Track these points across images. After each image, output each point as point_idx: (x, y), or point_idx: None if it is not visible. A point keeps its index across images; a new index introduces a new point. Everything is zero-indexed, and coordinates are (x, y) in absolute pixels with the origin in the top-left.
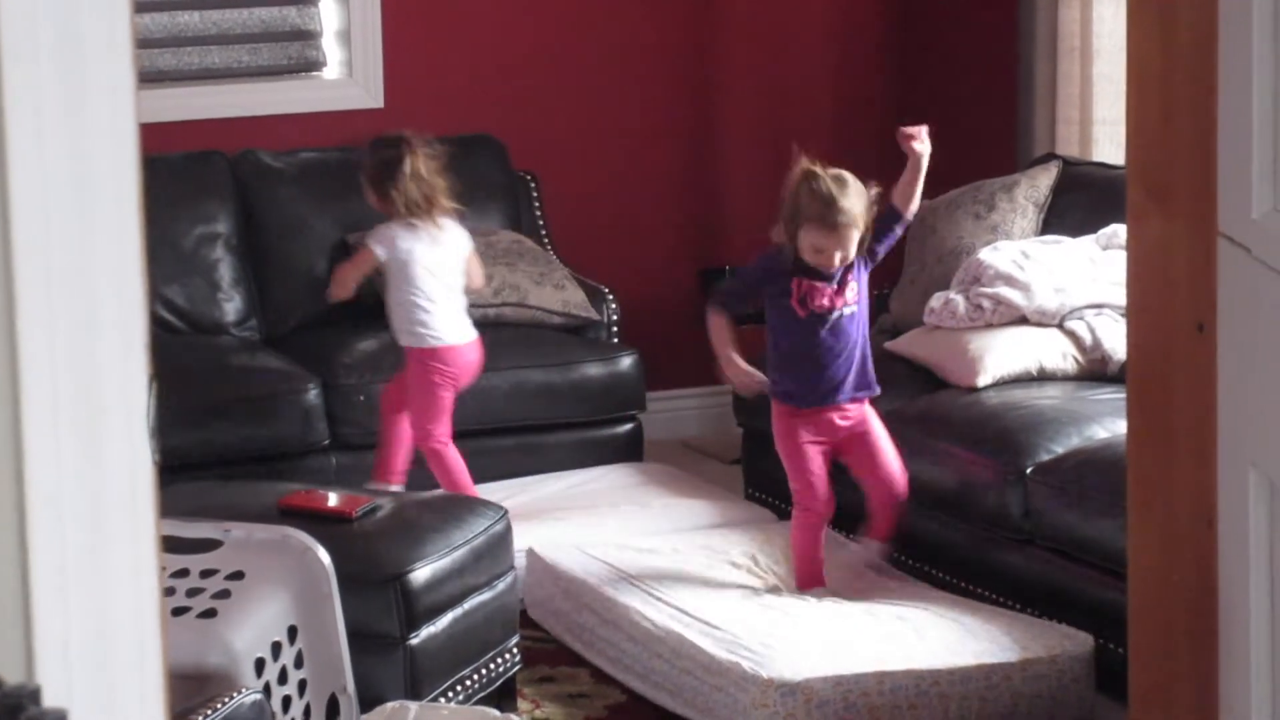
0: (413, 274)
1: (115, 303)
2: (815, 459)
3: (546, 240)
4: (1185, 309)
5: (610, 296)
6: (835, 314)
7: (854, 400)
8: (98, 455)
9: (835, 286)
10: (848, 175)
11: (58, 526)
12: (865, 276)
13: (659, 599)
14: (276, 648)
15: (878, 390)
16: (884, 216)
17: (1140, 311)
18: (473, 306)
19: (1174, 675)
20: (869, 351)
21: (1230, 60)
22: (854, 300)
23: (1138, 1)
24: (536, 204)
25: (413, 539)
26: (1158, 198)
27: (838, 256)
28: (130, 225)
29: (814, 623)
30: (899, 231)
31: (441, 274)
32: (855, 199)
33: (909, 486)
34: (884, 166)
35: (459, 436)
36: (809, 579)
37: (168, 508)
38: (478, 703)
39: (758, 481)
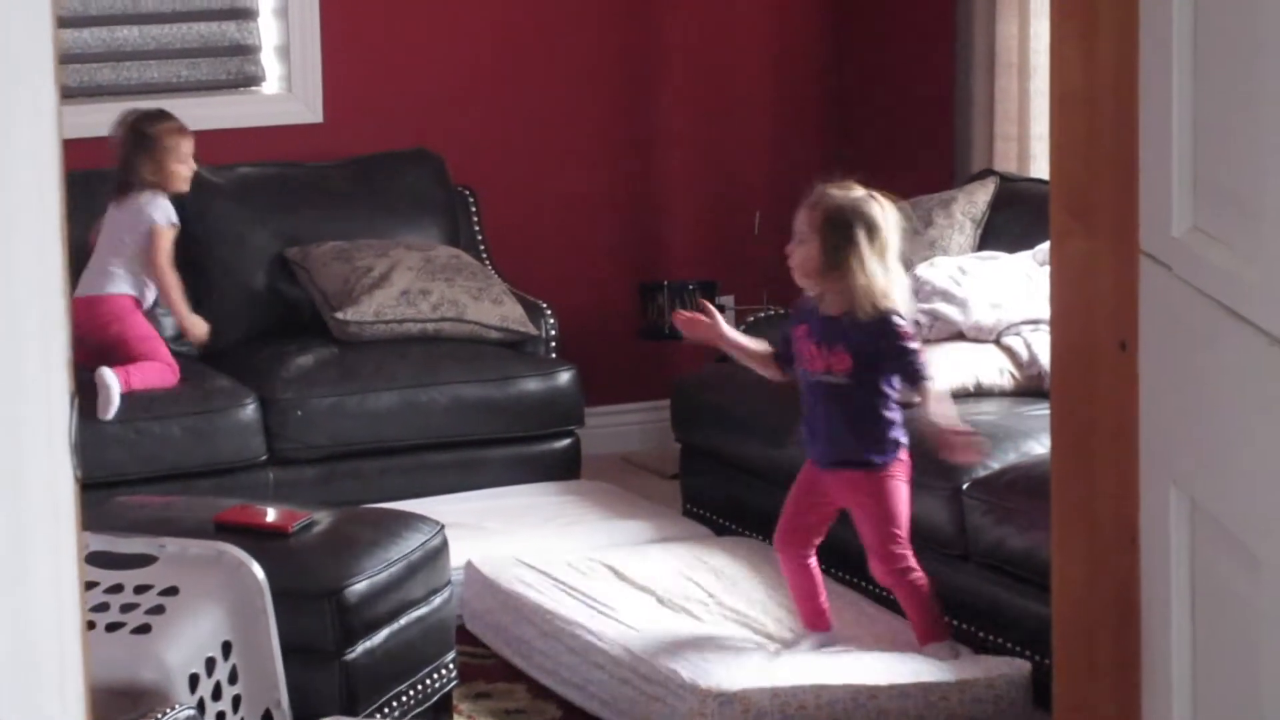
0: None
1: (36, 319)
2: (797, 487)
3: (485, 255)
4: (1108, 327)
5: (549, 312)
6: (816, 378)
7: (834, 470)
8: (18, 471)
9: (822, 348)
10: (862, 188)
11: None
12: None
13: (598, 610)
14: (211, 663)
15: (874, 466)
16: (906, 371)
17: (1063, 329)
18: (412, 322)
19: (1098, 693)
20: (865, 429)
21: (1151, 79)
22: (842, 372)
23: (1060, 20)
24: (475, 219)
25: (349, 554)
26: (1081, 216)
27: (795, 245)
28: (52, 243)
29: (751, 636)
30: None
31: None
32: (842, 193)
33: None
34: (823, 181)
35: (395, 452)
36: (808, 618)
37: (103, 523)
38: (414, 718)
39: (695, 497)
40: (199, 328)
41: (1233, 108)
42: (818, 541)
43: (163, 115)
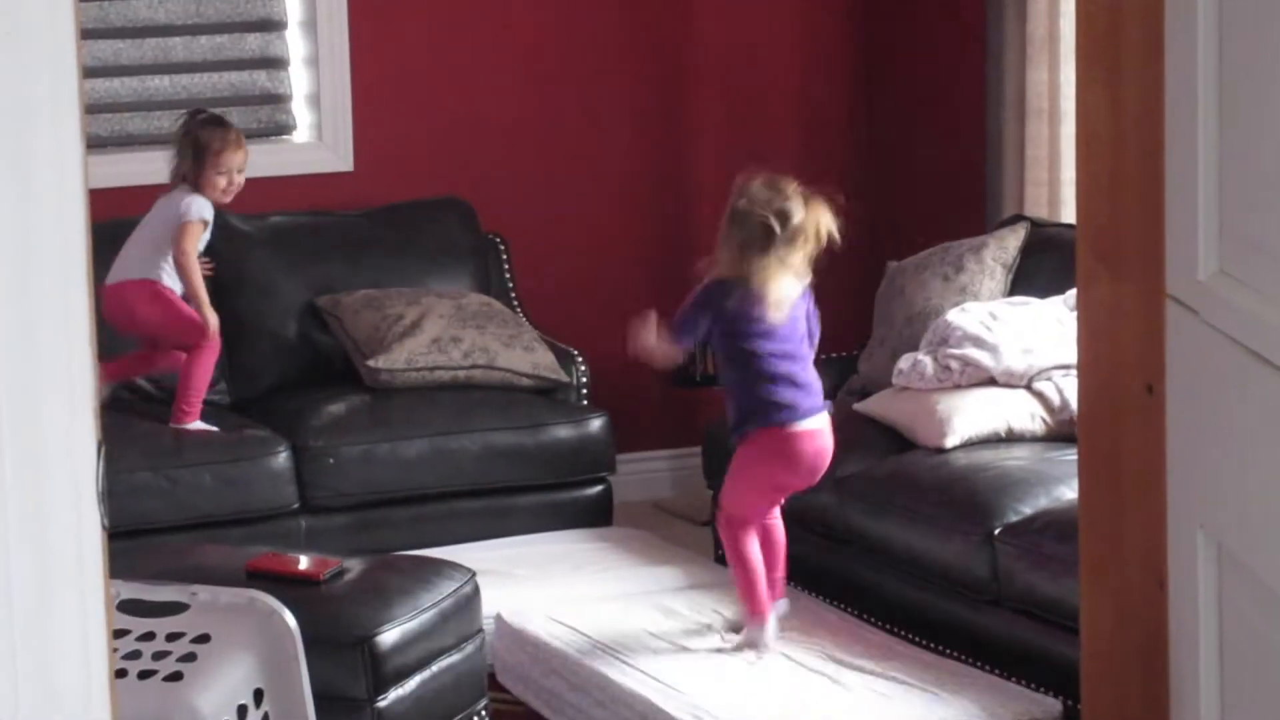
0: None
1: (63, 369)
2: None
3: (516, 303)
4: (1134, 371)
5: (580, 359)
6: None
7: None
8: (45, 520)
9: None
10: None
11: (4, 590)
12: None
13: (626, 664)
14: (243, 711)
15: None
16: None
17: (1091, 374)
18: (443, 369)
19: None
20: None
21: (1176, 123)
22: None
23: (1086, 66)
24: (506, 266)
25: (380, 601)
26: (1107, 261)
27: None
28: (78, 293)
29: (781, 689)
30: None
31: None
32: (758, 189)
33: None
34: (854, 234)
35: (426, 499)
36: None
37: (135, 571)
38: None
39: None
40: (213, 321)
41: (1258, 152)
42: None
43: (218, 122)
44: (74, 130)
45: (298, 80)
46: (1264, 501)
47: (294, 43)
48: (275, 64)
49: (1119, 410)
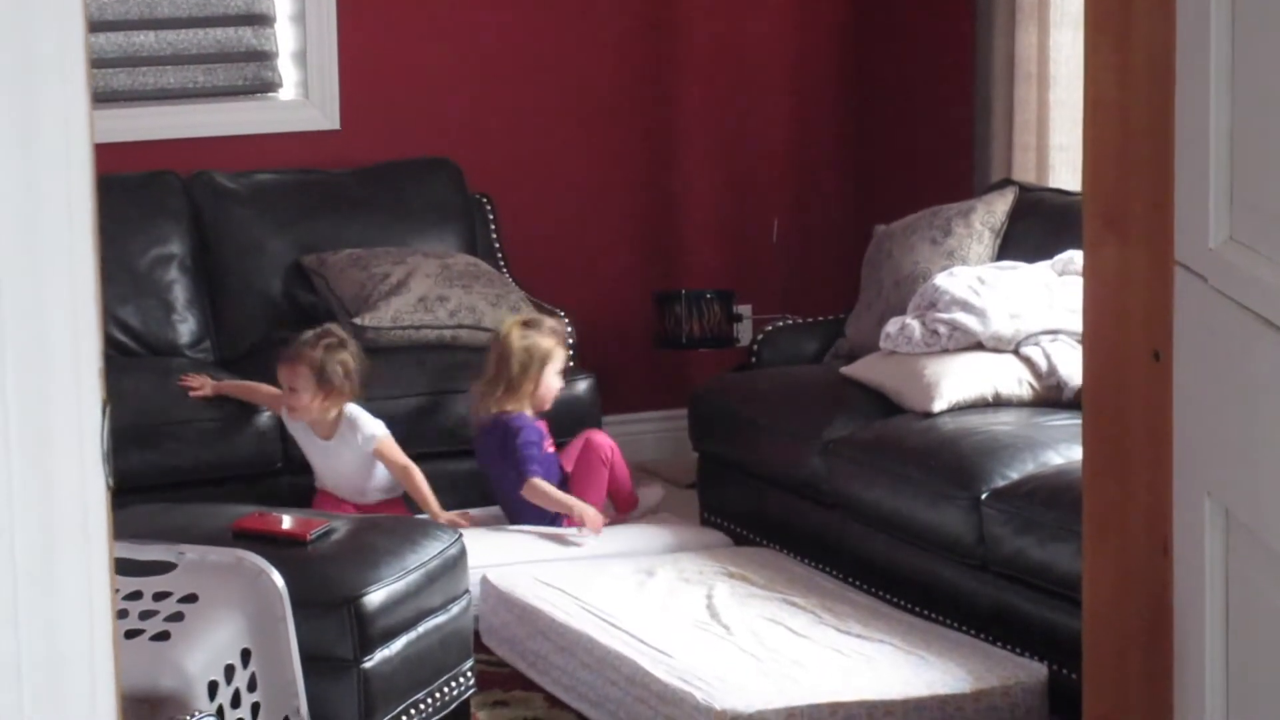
0: None
1: (68, 328)
2: None
3: (502, 263)
4: (1141, 337)
5: (566, 320)
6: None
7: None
8: (49, 480)
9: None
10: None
11: (8, 550)
12: None
13: (613, 625)
14: (230, 670)
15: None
16: None
17: (1096, 339)
18: (429, 328)
19: (1128, 704)
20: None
21: (1187, 89)
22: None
23: (1095, 29)
24: (492, 226)
25: (367, 562)
26: (1114, 226)
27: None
28: (84, 251)
29: (767, 651)
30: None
31: None
32: None
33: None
34: (841, 191)
35: (411, 458)
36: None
37: (122, 530)
38: None
39: (713, 506)
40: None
41: (1270, 119)
42: None
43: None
44: (80, 87)
45: (284, 36)
46: (1272, 467)
47: None
48: (261, 20)
49: (1125, 376)
